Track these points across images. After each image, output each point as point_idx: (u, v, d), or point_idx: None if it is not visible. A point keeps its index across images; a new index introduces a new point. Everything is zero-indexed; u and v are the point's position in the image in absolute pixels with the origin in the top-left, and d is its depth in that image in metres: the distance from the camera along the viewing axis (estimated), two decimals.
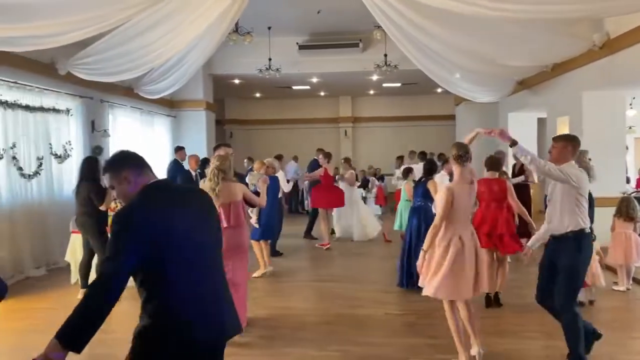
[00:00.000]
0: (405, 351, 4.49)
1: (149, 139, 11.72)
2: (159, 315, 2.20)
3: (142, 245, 2.15)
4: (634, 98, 9.57)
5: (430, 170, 6.43)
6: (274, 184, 7.83)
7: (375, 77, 14.00)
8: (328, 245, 9.20)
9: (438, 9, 6.27)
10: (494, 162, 5.83)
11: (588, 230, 3.90)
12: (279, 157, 10.18)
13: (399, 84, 15.54)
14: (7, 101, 7.06)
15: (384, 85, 15.64)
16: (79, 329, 2.07)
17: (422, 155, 11.02)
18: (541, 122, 12.11)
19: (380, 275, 7.33)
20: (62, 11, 6.05)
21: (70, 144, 8.48)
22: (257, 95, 18.06)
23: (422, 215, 6.30)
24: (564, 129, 8.96)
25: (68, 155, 8.39)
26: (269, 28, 11.60)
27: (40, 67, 7.80)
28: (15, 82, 7.25)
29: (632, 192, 8.08)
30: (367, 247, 9.46)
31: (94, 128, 9.45)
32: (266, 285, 6.82)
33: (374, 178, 13.56)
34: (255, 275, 7.05)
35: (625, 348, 4.57)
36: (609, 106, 7.96)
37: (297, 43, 12.52)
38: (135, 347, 2.24)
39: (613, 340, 4.57)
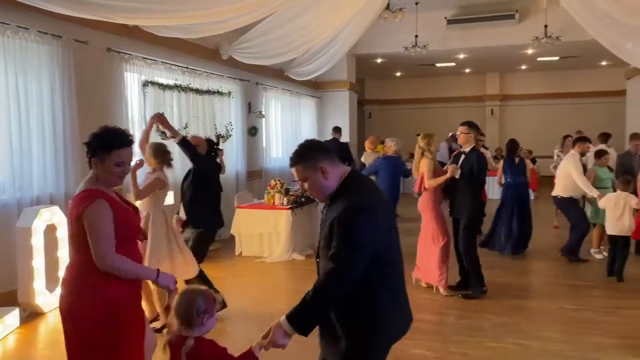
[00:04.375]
0: (589, 350, 4.07)
1: (295, 120, 12.12)
2: (370, 314, 2.14)
3: (372, 241, 2.09)
4: None
5: None
6: (387, 164, 7.38)
7: (530, 51, 12.93)
8: None
9: None
10: None
11: None
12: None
13: (556, 58, 14.21)
14: (181, 85, 7.69)
15: (539, 59, 14.41)
16: (309, 316, 2.10)
17: (604, 136, 9.72)
18: None
19: (545, 267, 6.80)
20: None
21: (231, 125, 9.03)
22: (398, 74, 17.75)
23: None
24: None
25: (229, 135, 8.94)
26: (417, 3, 11.22)
27: (207, 52, 8.37)
28: (187, 67, 7.86)
29: None
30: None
31: (250, 109, 9.97)
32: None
33: (528, 161, 12.57)
34: None
35: None
36: None
37: (446, 17, 11.98)
38: (348, 347, 2.14)
39: None
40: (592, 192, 6.30)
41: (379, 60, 14.74)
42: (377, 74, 17.51)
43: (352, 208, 2.09)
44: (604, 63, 14.79)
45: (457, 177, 5.28)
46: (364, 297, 2.13)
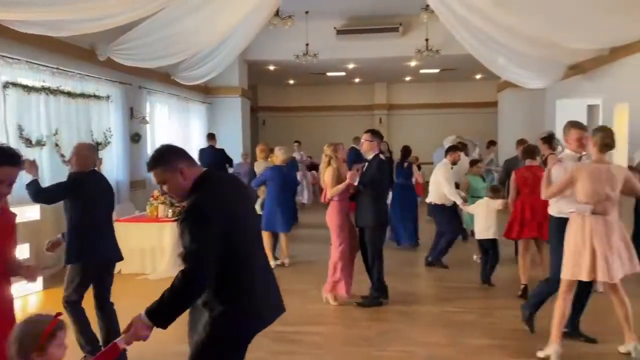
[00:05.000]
0: (471, 352, 4.22)
1: (184, 126, 11.62)
2: (234, 301, 2.30)
3: (219, 236, 2.23)
4: None
5: None
6: (275, 174, 7.12)
7: (413, 63, 13.58)
8: None
9: None
10: (531, 151, 5.76)
11: None
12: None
13: (437, 70, 15.08)
14: (50, 87, 6.96)
15: (422, 71, 15.19)
16: (167, 312, 2.22)
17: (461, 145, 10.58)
18: (590, 109, 11.54)
19: (427, 271, 7.05)
20: None
21: (110, 131, 8.39)
22: (291, 82, 17.81)
23: None
24: (622, 117, 8.46)
25: (108, 142, 8.30)
26: (307, 12, 11.30)
27: (81, 52, 7.69)
28: (58, 68, 7.15)
29: None
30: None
31: (133, 115, 9.36)
32: (311, 278, 6.59)
33: (415, 167, 13.17)
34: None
35: None
36: None
37: (335, 28, 12.20)
38: (209, 334, 2.29)
39: None
40: (457, 200, 6.63)
41: (271, 67, 14.66)
42: (270, 80, 17.44)
43: (190, 209, 2.24)
44: (478, 76, 15.96)
45: (356, 183, 5.26)
46: (220, 287, 2.28)
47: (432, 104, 17.70)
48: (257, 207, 7.17)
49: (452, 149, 7.23)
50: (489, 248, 6.10)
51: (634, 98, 7.91)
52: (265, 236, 7.00)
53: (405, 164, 8.35)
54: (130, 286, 6.29)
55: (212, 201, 2.27)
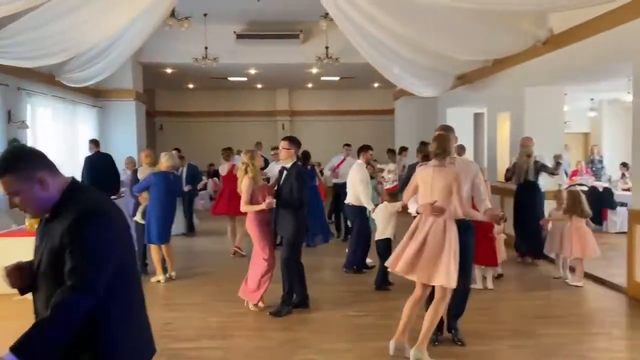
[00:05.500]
0: (371, 356, 4.25)
1: (72, 132, 10.77)
2: (104, 342, 1.88)
3: (114, 244, 1.90)
4: (565, 94, 9.88)
5: None
6: (160, 180, 6.68)
7: (314, 70, 13.73)
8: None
9: None
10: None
11: None
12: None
13: (337, 78, 15.37)
14: None
15: (322, 78, 15.40)
16: (49, 341, 1.74)
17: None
18: (477, 117, 12.39)
19: (328, 276, 7.08)
20: None
21: None
22: (190, 86, 17.27)
23: None
24: (504, 125, 9.14)
25: None
26: (205, 15, 11.00)
27: None
28: None
29: (570, 186, 8.32)
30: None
31: (10, 119, 8.49)
32: (211, 289, 6.35)
33: (318, 170, 13.32)
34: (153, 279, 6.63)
35: (585, 344, 4.58)
36: (550, 102, 8.14)
37: (235, 32, 12.00)
38: None
39: (574, 337, 4.61)
40: (368, 205, 6.69)
41: (168, 70, 14.10)
42: (168, 84, 16.80)
43: (86, 215, 1.85)
44: (376, 85, 16.51)
45: (274, 206, 5.22)
46: (97, 319, 1.86)
47: (333, 110, 18.05)
48: (139, 216, 6.77)
49: (364, 149, 7.16)
50: (383, 249, 6.20)
51: (514, 107, 8.58)
52: (154, 250, 6.66)
53: (309, 167, 8.59)
54: (5, 308, 5.64)
55: (105, 211, 1.91)
